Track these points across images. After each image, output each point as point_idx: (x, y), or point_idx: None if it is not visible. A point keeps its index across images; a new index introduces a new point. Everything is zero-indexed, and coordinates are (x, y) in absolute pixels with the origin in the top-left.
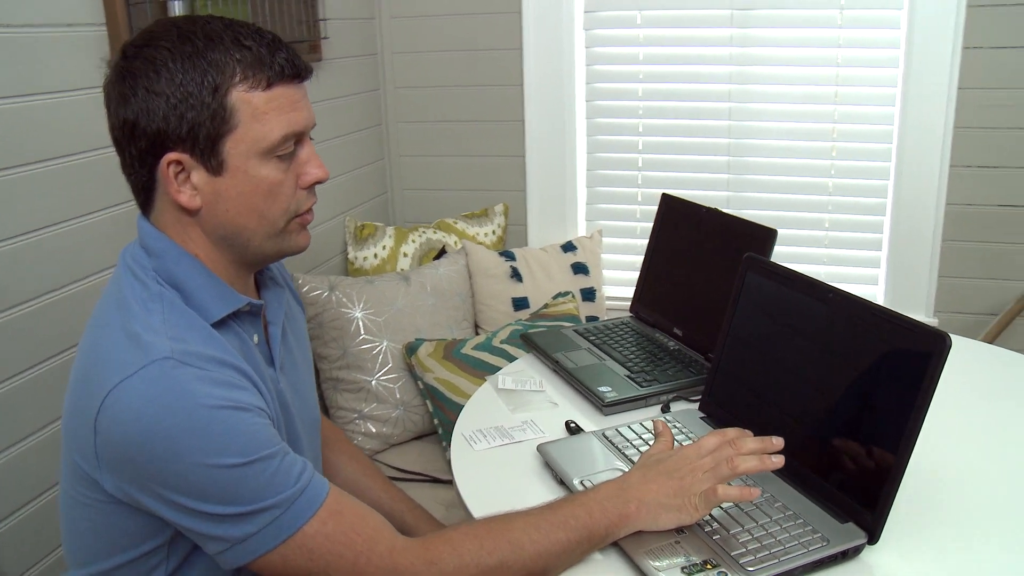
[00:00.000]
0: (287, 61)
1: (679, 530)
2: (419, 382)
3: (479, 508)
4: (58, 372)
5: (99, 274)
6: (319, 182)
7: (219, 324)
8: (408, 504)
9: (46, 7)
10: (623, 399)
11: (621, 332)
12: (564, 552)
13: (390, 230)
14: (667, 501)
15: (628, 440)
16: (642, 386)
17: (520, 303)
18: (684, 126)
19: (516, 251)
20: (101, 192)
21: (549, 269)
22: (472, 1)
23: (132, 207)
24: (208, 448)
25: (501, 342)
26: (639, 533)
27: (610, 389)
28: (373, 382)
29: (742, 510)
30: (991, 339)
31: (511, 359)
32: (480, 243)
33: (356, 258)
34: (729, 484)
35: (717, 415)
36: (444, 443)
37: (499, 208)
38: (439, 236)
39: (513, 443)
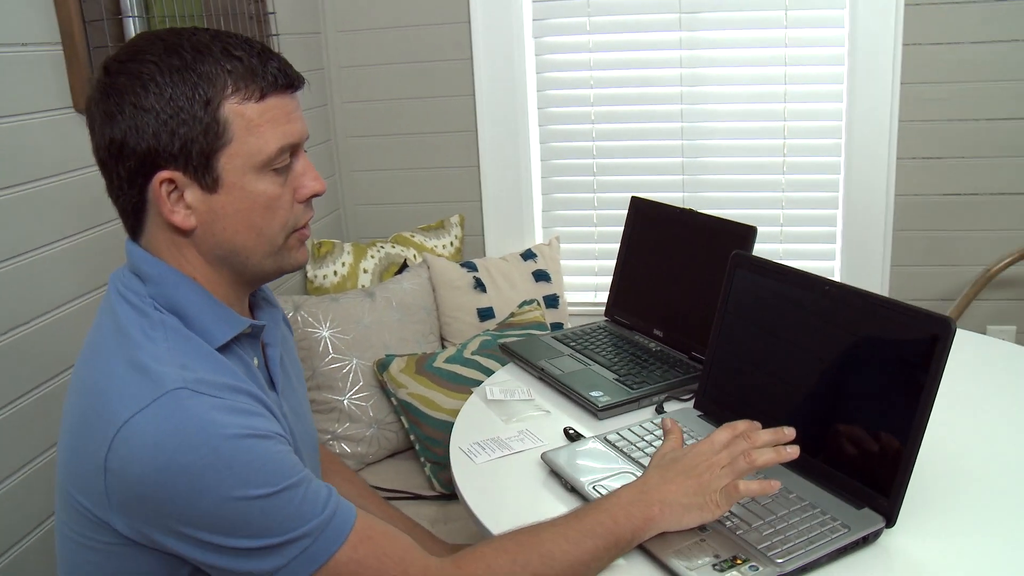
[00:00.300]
0: (279, 70)
1: (702, 528)
2: (392, 399)
3: (492, 522)
4: (33, 408)
5: (65, 306)
6: (317, 195)
7: (222, 349)
8: (407, 524)
9: None
10: (616, 403)
11: (599, 336)
12: (594, 560)
13: (348, 246)
14: (688, 500)
15: (631, 443)
16: (633, 388)
17: (485, 313)
18: (637, 129)
19: (477, 261)
20: (62, 221)
21: (511, 278)
22: (419, 12)
23: (95, 235)
24: (233, 480)
25: (472, 353)
26: (663, 534)
27: (602, 394)
28: (345, 401)
29: (760, 504)
30: None
31: (484, 370)
32: (439, 255)
33: (316, 276)
34: (747, 479)
35: (714, 412)
36: (422, 458)
37: (455, 219)
38: (398, 250)
39: (513, 453)
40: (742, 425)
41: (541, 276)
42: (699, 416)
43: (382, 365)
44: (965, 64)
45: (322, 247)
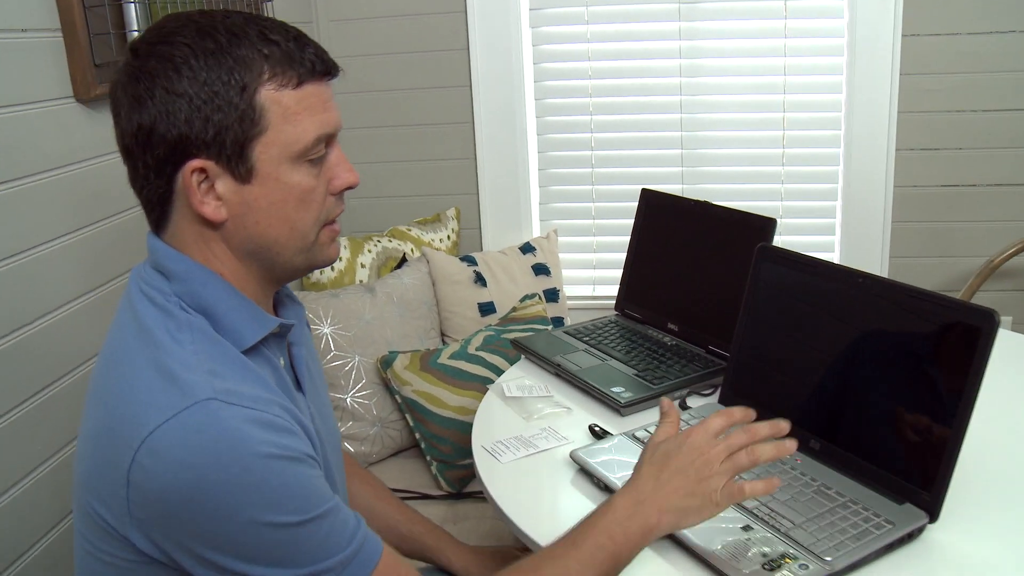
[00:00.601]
0: (316, 56)
1: (746, 527)
2: (396, 396)
3: (526, 522)
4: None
5: (68, 305)
6: (351, 187)
7: (250, 350)
8: (426, 526)
9: None
10: (639, 399)
11: (612, 331)
12: None
13: (344, 241)
14: (687, 503)
15: None
16: (654, 384)
17: (486, 308)
18: (636, 121)
19: (476, 255)
20: (64, 216)
21: (511, 272)
22: (414, 2)
23: (99, 230)
24: (263, 504)
25: (476, 349)
26: (705, 532)
27: (623, 389)
28: (348, 400)
29: (798, 500)
30: None
31: (489, 366)
32: (436, 249)
33: (312, 272)
34: (741, 477)
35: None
36: (428, 457)
37: (451, 212)
38: (395, 244)
39: (539, 452)
40: (738, 413)
41: (541, 270)
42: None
43: (386, 362)
44: (965, 55)
45: None
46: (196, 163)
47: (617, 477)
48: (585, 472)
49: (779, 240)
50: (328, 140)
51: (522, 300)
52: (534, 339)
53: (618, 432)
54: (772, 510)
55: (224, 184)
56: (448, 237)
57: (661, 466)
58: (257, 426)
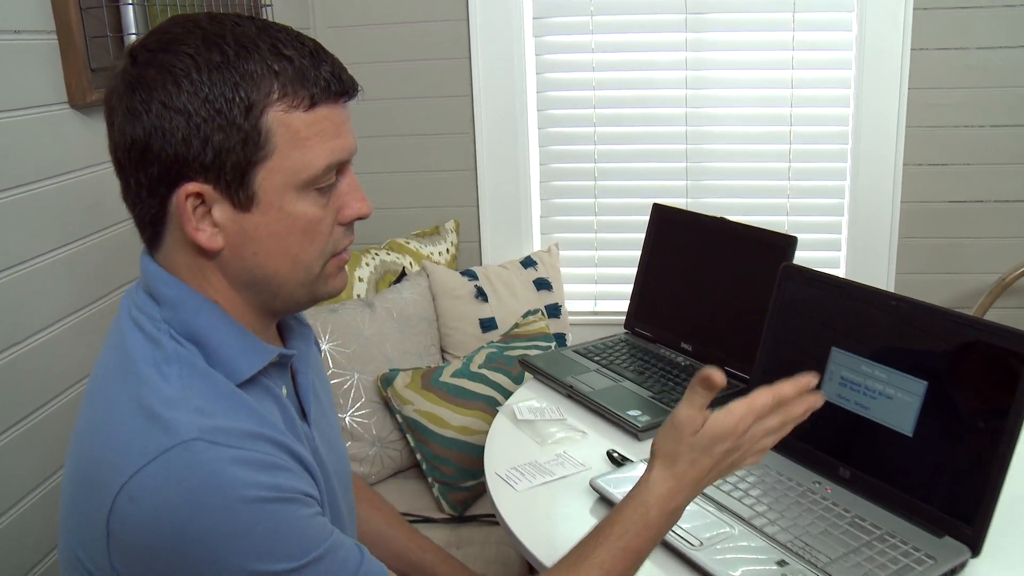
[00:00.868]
0: (333, 75)
1: (781, 562)
2: (397, 415)
3: (545, 554)
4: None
5: (63, 321)
6: (362, 217)
7: (248, 381)
8: (439, 555)
9: None
10: (657, 423)
11: (622, 350)
12: None
13: None
14: (696, 492)
15: None
16: (671, 407)
17: (488, 324)
18: (640, 133)
19: (477, 269)
20: (58, 227)
21: (512, 286)
22: (415, 8)
23: (95, 242)
24: (252, 552)
25: (479, 367)
26: (740, 566)
27: (640, 413)
28: (347, 419)
29: (831, 533)
30: None
31: (492, 384)
32: (436, 263)
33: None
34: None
35: None
36: (430, 479)
37: (450, 225)
38: (393, 257)
39: (555, 479)
40: (789, 387)
41: (543, 285)
42: None
43: (386, 380)
44: (973, 70)
45: None
46: (192, 187)
47: None
48: (605, 500)
49: None
50: (340, 167)
51: (524, 316)
52: (543, 358)
53: (637, 458)
54: (806, 544)
55: (222, 211)
56: (447, 250)
57: (704, 452)
58: (245, 467)
